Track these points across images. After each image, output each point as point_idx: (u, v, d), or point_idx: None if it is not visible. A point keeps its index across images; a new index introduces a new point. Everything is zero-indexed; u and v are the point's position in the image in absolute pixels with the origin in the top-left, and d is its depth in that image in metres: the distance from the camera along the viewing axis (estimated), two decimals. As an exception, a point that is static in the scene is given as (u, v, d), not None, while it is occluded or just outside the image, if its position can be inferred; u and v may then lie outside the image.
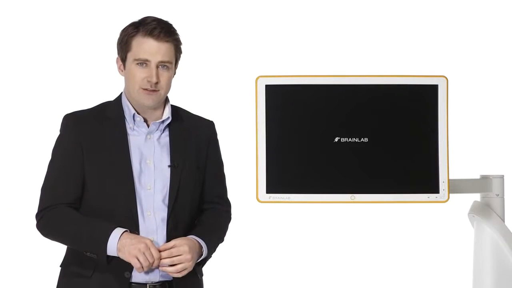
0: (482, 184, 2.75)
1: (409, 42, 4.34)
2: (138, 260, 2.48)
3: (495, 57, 4.32)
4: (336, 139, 2.64)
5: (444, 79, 2.64)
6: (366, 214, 4.26)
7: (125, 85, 2.65)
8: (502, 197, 2.74)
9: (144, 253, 2.48)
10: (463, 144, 3.96)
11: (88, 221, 2.55)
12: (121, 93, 2.68)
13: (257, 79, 2.63)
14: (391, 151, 2.64)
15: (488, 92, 4.32)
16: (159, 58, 2.56)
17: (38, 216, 2.61)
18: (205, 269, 2.73)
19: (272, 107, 2.63)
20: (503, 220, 2.73)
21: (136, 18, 2.65)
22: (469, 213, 2.78)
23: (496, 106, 4.31)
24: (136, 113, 2.62)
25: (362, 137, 2.63)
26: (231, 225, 2.81)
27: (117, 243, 2.49)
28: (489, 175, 2.76)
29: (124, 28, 2.63)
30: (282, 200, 2.61)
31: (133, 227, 2.55)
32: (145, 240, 2.50)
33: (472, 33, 4.33)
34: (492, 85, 4.32)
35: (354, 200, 2.46)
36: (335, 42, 4.34)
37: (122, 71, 2.65)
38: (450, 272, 4.13)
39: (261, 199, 2.61)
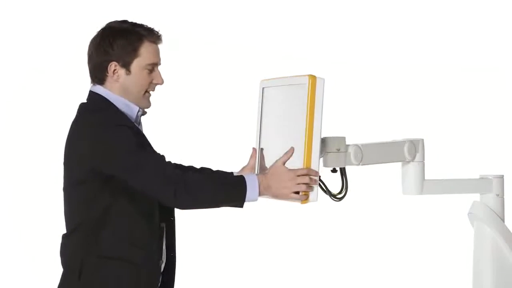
0: (482, 184, 2.75)
1: (409, 42, 4.35)
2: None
3: (495, 57, 4.33)
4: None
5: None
6: (366, 213, 4.27)
7: (120, 89, 2.50)
8: (502, 197, 2.74)
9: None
10: (463, 144, 3.97)
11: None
12: (105, 100, 2.50)
13: (260, 82, 2.63)
14: None
15: (488, 92, 4.32)
16: (159, 60, 2.54)
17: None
18: (204, 268, 2.72)
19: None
20: (503, 220, 2.73)
21: (133, 18, 2.58)
22: (469, 213, 2.78)
23: (496, 106, 4.32)
24: (139, 108, 2.54)
25: None
26: (231, 224, 2.80)
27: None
28: (489, 175, 2.76)
29: (123, 35, 2.50)
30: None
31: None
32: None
33: (472, 33, 4.34)
34: (492, 85, 4.33)
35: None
36: (335, 43, 4.35)
37: (117, 76, 2.50)
38: (450, 272, 4.13)
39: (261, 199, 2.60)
